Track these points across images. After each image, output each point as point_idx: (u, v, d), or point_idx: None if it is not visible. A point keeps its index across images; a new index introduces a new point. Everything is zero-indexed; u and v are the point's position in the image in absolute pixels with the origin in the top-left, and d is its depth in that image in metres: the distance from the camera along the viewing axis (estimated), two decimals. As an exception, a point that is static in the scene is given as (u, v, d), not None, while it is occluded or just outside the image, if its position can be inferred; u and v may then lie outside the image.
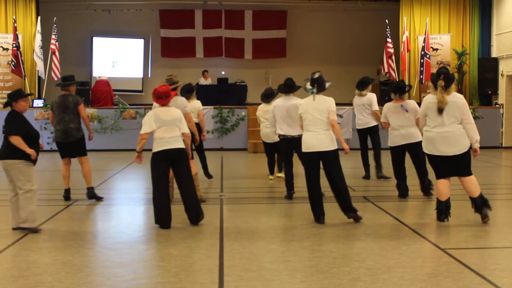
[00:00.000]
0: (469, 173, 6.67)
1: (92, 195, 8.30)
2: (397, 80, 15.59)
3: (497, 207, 8.33)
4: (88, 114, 15.54)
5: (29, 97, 6.75)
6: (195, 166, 8.08)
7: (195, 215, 6.67)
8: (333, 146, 6.68)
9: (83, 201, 8.31)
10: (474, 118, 15.63)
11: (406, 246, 5.76)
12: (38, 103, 16.13)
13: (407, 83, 10.33)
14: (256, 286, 4.59)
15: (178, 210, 6.85)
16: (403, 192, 8.31)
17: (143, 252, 5.77)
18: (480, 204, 6.62)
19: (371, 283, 4.64)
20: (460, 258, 5.26)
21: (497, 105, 16.73)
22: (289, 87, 8.27)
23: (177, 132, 6.58)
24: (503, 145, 16.35)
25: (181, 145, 6.60)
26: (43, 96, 16.83)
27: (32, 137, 6.41)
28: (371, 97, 9.96)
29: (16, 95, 6.49)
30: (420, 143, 7.54)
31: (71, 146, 8.25)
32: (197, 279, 4.78)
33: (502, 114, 16.43)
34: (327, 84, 6.78)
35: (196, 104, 9.30)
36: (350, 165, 12.27)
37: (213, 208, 7.91)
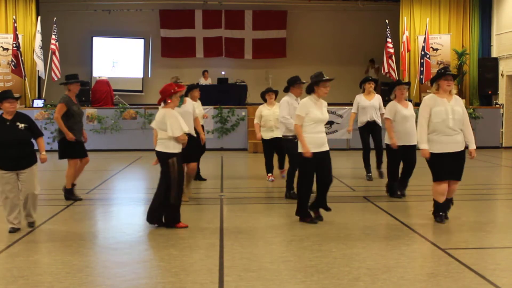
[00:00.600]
0: (433, 178, 6.75)
1: (67, 195, 8.36)
2: (396, 79, 15.58)
3: (497, 207, 8.34)
4: (88, 114, 15.64)
5: (14, 99, 6.45)
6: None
7: (150, 215, 6.75)
8: (299, 149, 6.79)
9: (83, 201, 8.31)
10: (474, 118, 15.85)
11: (406, 246, 5.76)
12: (38, 103, 16.14)
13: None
14: (256, 286, 4.59)
15: (181, 210, 6.84)
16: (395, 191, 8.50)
17: (143, 252, 5.77)
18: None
19: (371, 283, 4.64)
20: (460, 258, 5.26)
21: (497, 105, 16.74)
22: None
23: (161, 134, 6.58)
24: (503, 145, 16.35)
25: (160, 148, 6.57)
26: (43, 96, 16.85)
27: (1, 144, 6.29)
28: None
29: (0, 97, 6.40)
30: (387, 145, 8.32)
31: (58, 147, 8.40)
32: (197, 279, 4.78)
33: (502, 114, 16.43)
34: (319, 79, 6.69)
35: (184, 107, 7.99)
36: (350, 165, 12.29)
37: (213, 208, 7.92)
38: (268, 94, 9.84)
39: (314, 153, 6.63)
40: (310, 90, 6.79)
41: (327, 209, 6.91)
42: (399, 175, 8.41)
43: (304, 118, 6.66)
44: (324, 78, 6.65)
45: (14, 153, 6.32)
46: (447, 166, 6.56)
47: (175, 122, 6.50)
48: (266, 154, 9.95)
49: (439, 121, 6.53)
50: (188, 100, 8.33)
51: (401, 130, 8.19)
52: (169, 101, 6.59)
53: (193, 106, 8.33)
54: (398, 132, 8.21)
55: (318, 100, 6.73)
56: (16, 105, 6.48)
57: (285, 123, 8.19)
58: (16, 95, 6.58)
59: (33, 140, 6.61)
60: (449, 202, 6.88)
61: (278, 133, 9.10)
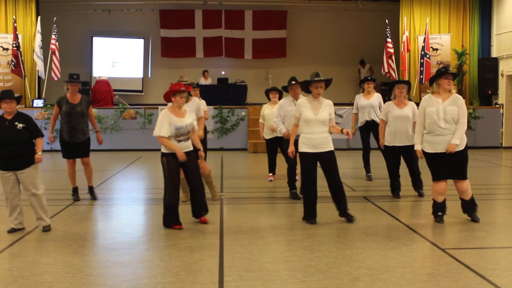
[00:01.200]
0: (432, 178, 6.79)
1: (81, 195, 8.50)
2: (397, 80, 15.58)
3: (497, 207, 8.34)
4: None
5: (11, 99, 6.40)
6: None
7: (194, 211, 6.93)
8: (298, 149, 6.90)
9: (83, 201, 8.32)
10: (474, 118, 15.87)
11: (406, 246, 5.76)
12: (38, 103, 16.14)
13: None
14: (256, 286, 4.59)
15: (182, 210, 6.84)
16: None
17: (143, 252, 5.77)
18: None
19: (371, 283, 4.64)
20: (460, 258, 5.26)
21: (497, 105, 16.74)
22: None
23: None
24: (503, 145, 16.35)
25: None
26: (43, 96, 16.85)
27: None
28: None
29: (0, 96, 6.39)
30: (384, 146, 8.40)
31: None
32: (197, 279, 4.78)
33: (502, 114, 16.43)
34: (308, 81, 6.76)
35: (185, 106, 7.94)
36: (350, 165, 12.29)
37: (213, 208, 7.91)
38: (272, 93, 9.82)
39: (310, 153, 6.64)
40: (306, 90, 6.87)
41: (347, 217, 6.80)
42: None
43: (299, 118, 6.74)
44: (313, 79, 6.65)
45: (11, 152, 6.31)
46: (443, 165, 6.56)
47: (157, 125, 6.54)
48: (268, 154, 9.96)
49: (430, 122, 6.55)
50: (194, 99, 8.24)
51: (393, 131, 8.18)
52: (173, 100, 6.61)
53: (198, 106, 8.24)
54: (391, 132, 8.21)
55: (315, 100, 6.71)
56: (15, 105, 6.42)
57: (276, 128, 8.30)
58: (17, 95, 6.55)
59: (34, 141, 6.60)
60: (466, 202, 6.80)
61: (278, 133, 9.12)
